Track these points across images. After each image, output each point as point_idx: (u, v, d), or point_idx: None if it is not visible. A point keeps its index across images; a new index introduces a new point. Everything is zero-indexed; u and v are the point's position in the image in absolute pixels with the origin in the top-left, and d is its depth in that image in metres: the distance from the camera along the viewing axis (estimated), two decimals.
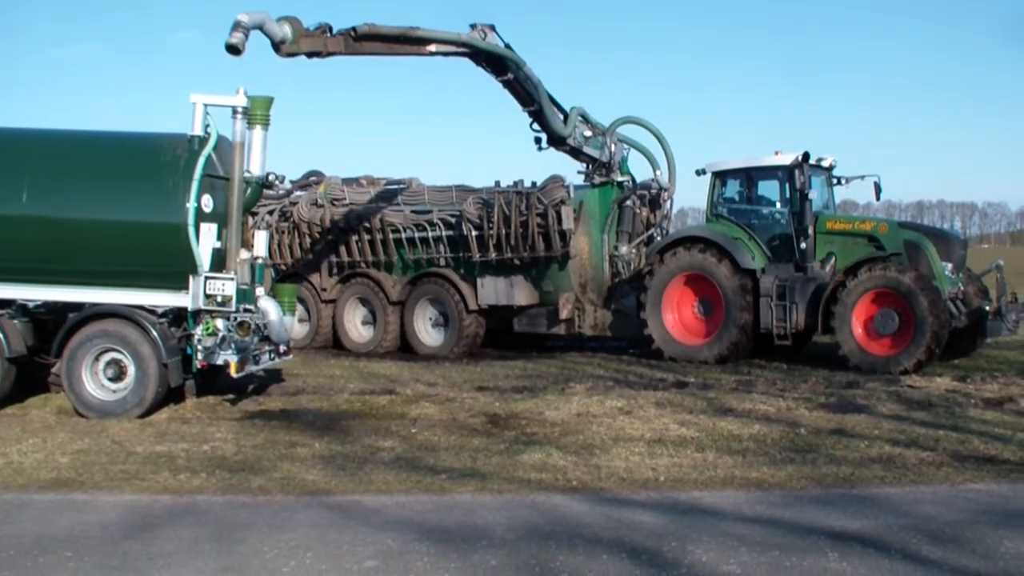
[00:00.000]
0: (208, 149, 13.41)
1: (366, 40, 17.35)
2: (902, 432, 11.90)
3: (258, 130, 13.68)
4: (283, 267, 22.72)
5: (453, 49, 18.60)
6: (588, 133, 20.65)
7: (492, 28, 18.91)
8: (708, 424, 12.41)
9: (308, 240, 22.32)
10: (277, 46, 15.66)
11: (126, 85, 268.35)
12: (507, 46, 19.17)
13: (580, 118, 20.59)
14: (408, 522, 8.41)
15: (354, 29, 17.00)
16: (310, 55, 16.40)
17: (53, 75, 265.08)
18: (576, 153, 20.82)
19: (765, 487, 9.58)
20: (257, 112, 13.61)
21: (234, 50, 14.11)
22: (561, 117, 20.28)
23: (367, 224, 21.54)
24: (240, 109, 13.47)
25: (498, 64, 19.13)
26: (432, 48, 18.38)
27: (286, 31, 15.51)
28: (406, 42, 18.04)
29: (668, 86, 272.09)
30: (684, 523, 8.34)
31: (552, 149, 20.57)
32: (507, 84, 19.37)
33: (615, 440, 11.58)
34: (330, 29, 16.70)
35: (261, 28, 15.00)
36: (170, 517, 8.66)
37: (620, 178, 20.99)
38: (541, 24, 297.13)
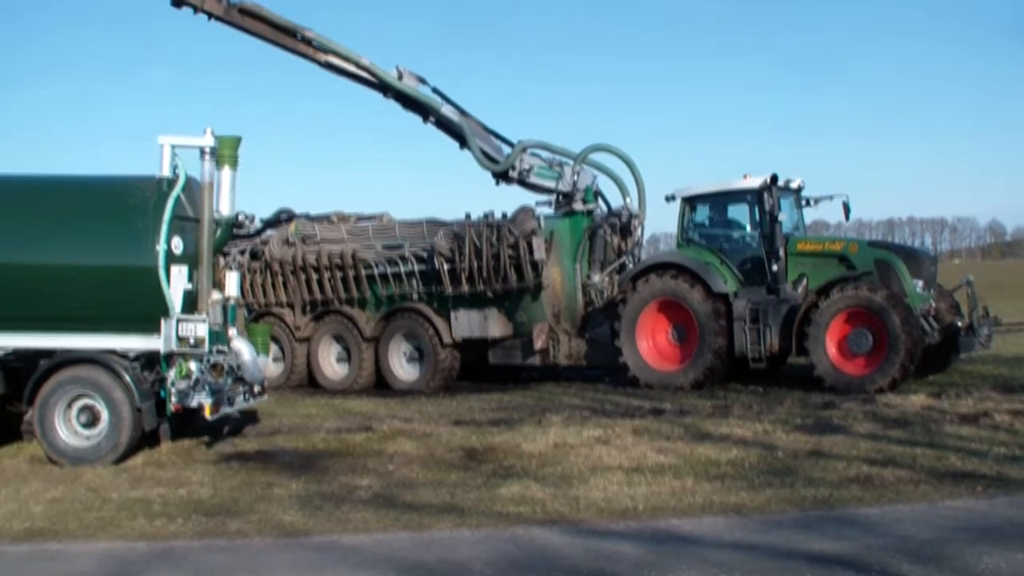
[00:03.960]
0: (177, 190, 13.37)
1: (249, 16, 19.35)
2: (879, 451, 11.94)
3: (227, 170, 13.68)
4: (256, 307, 22.62)
5: (353, 70, 20.40)
6: (527, 165, 21.09)
7: (422, 79, 20.37)
8: (686, 451, 12.41)
9: (280, 279, 22.25)
10: None
11: (92, 127, 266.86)
12: (436, 91, 20.93)
13: (532, 151, 21.28)
14: (387, 560, 8.38)
15: (241, 2, 19.18)
16: (194, 9, 18.89)
17: (18, 119, 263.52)
18: (525, 185, 21.37)
19: (744, 512, 9.58)
20: (225, 152, 13.60)
21: None
22: (506, 152, 21.22)
23: (339, 261, 21.49)
24: (208, 150, 13.46)
25: (415, 105, 20.79)
26: (328, 59, 20.16)
27: None
28: (300, 41, 19.86)
29: (633, 111, 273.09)
30: (664, 552, 8.33)
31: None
32: (436, 125, 21.02)
33: (593, 470, 11.55)
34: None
35: None
36: (147, 564, 8.58)
37: (580, 207, 21.04)
38: (504, 56, 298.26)
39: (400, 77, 20.65)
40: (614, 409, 16.46)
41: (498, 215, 20.44)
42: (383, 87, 20.77)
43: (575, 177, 21.14)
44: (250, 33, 19.74)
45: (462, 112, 21.24)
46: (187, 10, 19.11)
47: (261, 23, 19.66)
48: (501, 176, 21.24)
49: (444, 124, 21.15)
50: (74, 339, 13.41)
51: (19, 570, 8.55)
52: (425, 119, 21.18)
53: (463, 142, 21.10)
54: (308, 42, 20.06)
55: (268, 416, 16.54)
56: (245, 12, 19.44)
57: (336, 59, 20.32)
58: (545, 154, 21.48)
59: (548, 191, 21.38)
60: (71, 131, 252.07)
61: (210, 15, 19.30)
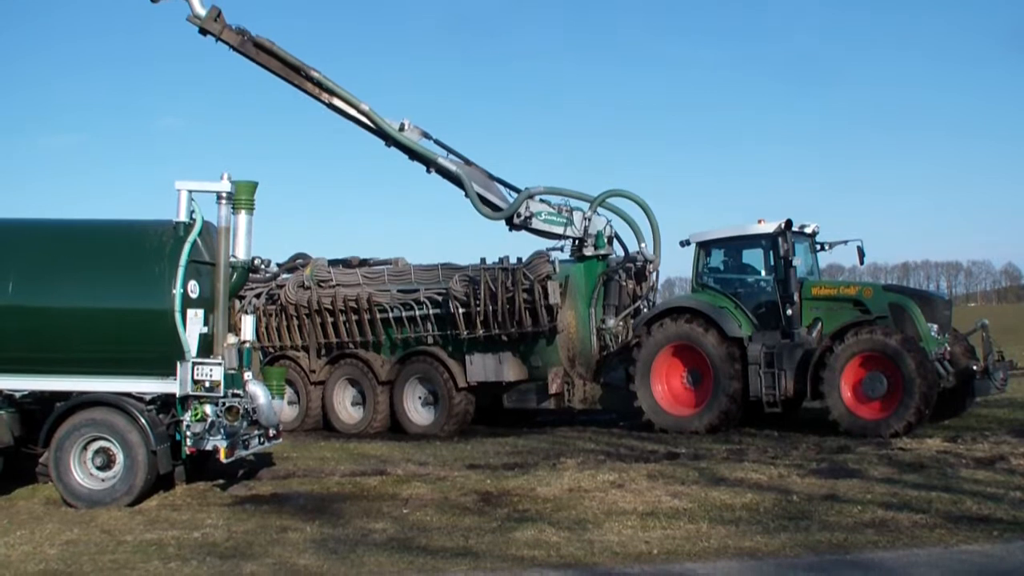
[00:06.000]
0: (193, 235, 13.47)
1: (262, 51, 20.84)
2: (894, 495, 11.89)
3: (243, 215, 13.76)
4: (271, 350, 22.69)
5: (354, 114, 21.51)
6: (530, 212, 21.51)
7: (425, 134, 21.60)
8: (700, 495, 12.37)
9: (295, 322, 22.33)
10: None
11: (110, 173, 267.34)
12: (439, 142, 21.86)
13: (541, 197, 21.73)
14: None
15: (256, 36, 20.67)
16: (215, 38, 20.47)
17: (38, 165, 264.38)
18: (530, 231, 21.82)
19: (759, 556, 9.54)
20: (242, 197, 13.69)
21: None
22: (512, 200, 21.87)
23: (354, 305, 21.58)
24: (225, 194, 13.55)
25: (417, 155, 21.73)
26: (332, 101, 21.37)
27: (202, 11, 20.27)
28: (306, 78, 21.16)
29: (653, 157, 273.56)
30: None
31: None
32: (439, 174, 21.90)
33: (608, 514, 11.53)
34: (247, 32, 20.63)
35: None
36: None
37: (591, 252, 21.18)
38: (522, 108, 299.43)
39: (402, 129, 21.42)
40: (629, 453, 16.42)
41: (513, 260, 20.55)
42: (383, 135, 21.50)
43: (586, 222, 21.26)
44: (262, 66, 20.99)
45: (466, 162, 21.95)
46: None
47: (272, 58, 20.96)
48: (507, 222, 21.70)
49: (444, 173, 21.80)
50: (90, 382, 13.48)
51: None
52: (428, 169, 21.89)
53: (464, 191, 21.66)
54: (315, 83, 21.14)
55: (283, 459, 16.55)
56: (259, 46, 20.81)
57: (339, 101, 21.34)
58: (556, 199, 21.64)
59: (556, 236, 21.58)
60: (85, 178, 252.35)
61: (228, 45, 20.66)
